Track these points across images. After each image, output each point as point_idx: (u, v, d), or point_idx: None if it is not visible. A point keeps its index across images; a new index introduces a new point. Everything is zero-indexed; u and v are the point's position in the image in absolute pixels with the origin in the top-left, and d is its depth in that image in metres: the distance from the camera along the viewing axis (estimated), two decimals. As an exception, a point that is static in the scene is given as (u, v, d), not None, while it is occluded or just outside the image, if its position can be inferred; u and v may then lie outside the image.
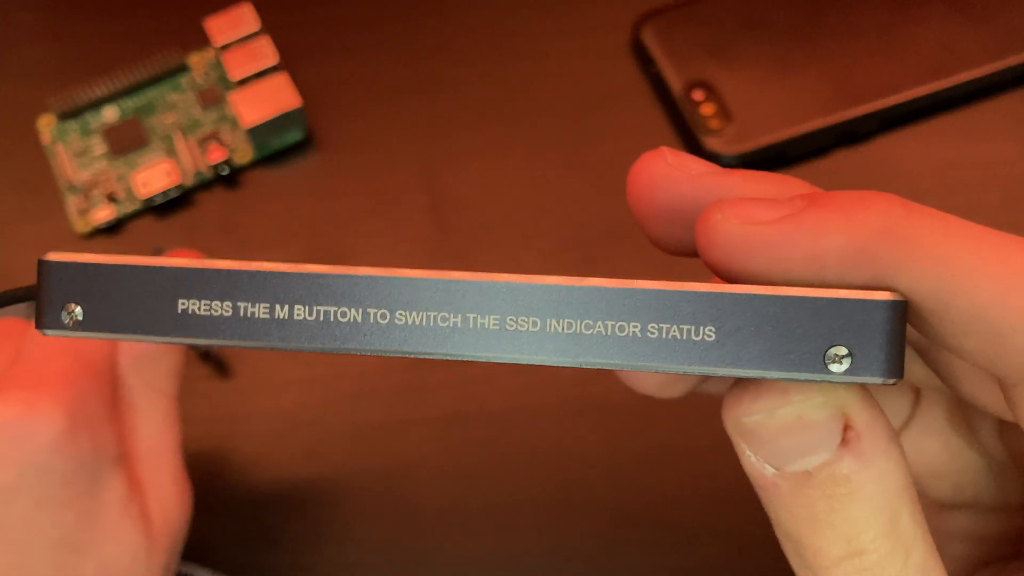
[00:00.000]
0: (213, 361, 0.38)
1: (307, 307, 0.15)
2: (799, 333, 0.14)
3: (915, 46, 0.41)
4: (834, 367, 0.14)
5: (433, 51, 0.44)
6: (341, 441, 0.37)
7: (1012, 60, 0.41)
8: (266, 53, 0.41)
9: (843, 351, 0.14)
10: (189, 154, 0.41)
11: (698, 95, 0.41)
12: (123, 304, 0.15)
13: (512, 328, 0.15)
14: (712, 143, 0.40)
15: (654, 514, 0.35)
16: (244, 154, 0.41)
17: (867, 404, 0.16)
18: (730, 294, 0.14)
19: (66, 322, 0.15)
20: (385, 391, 0.37)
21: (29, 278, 0.37)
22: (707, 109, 0.40)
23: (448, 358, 0.15)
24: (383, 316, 0.15)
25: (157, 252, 0.39)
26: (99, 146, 0.42)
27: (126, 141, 0.42)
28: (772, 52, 0.41)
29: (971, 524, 0.21)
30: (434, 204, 0.40)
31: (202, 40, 0.43)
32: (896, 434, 0.16)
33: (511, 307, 0.15)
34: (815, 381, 0.14)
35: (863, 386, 0.15)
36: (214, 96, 0.42)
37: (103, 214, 0.40)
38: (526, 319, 0.15)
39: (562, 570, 0.35)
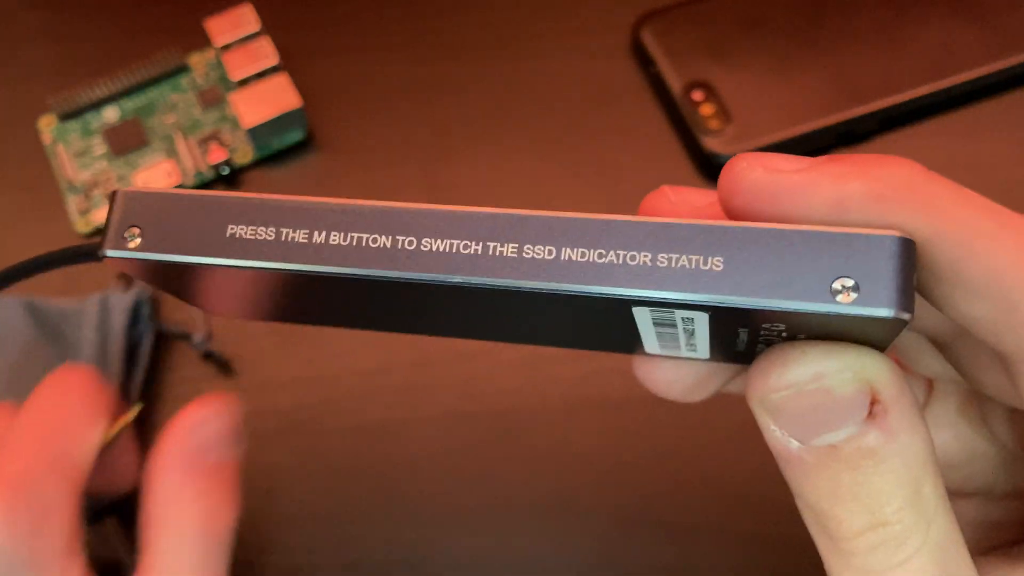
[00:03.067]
0: (215, 361, 0.38)
1: (343, 234, 0.16)
2: (806, 265, 0.14)
3: (914, 46, 0.41)
4: (841, 298, 0.14)
5: (433, 51, 0.44)
6: (341, 441, 0.37)
7: (1011, 60, 0.41)
8: (266, 53, 0.41)
9: (850, 282, 0.14)
10: (190, 154, 0.41)
11: (698, 95, 0.41)
12: (179, 229, 0.16)
13: (529, 256, 0.15)
14: (711, 143, 0.40)
15: (654, 514, 0.35)
16: (244, 154, 0.41)
17: (895, 378, 0.16)
18: (739, 227, 0.15)
19: (127, 244, 0.17)
20: (385, 391, 0.37)
21: (30, 278, 0.37)
22: (707, 109, 0.40)
23: (468, 285, 0.15)
24: (410, 243, 0.16)
25: None
26: (100, 146, 0.42)
27: (127, 141, 0.42)
28: (772, 52, 0.41)
29: (981, 512, 0.21)
30: (434, 203, 0.40)
31: (202, 40, 0.43)
32: (920, 407, 0.16)
33: (528, 236, 0.15)
34: (820, 312, 0.14)
35: (890, 360, 0.16)
36: (215, 96, 0.42)
37: (104, 214, 0.40)
38: (542, 248, 0.15)
39: (562, 570, 0.35)
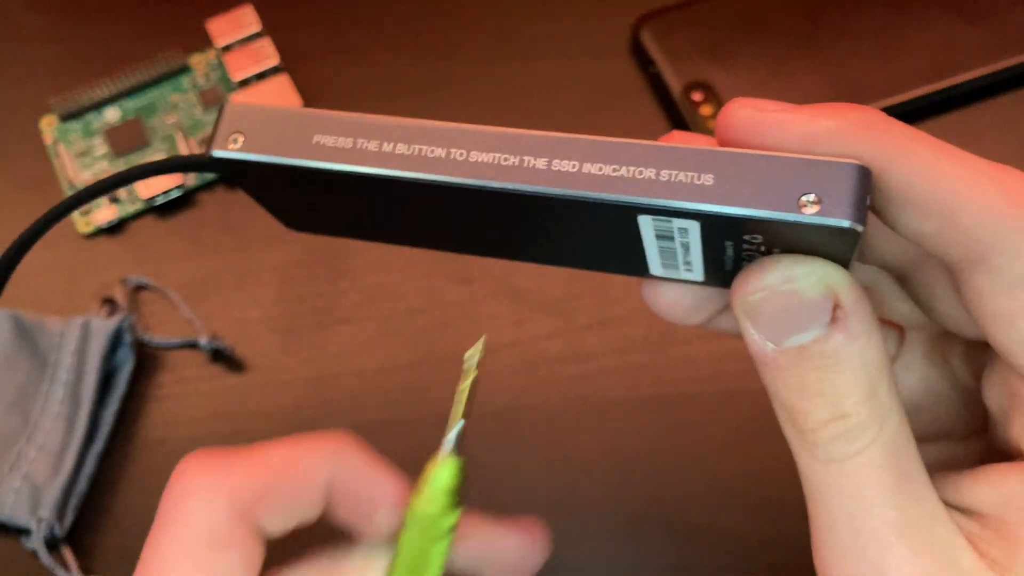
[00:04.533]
0: (224, 358, 0.38)
1: (407, 144, 0.19)
2: (779, 183, 0.17)
3: (913, 48, 0.41)
4: (806, 210, 0.17)
5: (433, 52, 0.44)
6: (342, 440, 0.37)
7: (1009, 61, 0.41)
8: (267, 54, 0.41)
9: (814, 197, 0.17)
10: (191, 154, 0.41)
11: (697, 95, 0.41)
12: (274, 136, 0.19)
13: (556, 168, 0.18)
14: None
15: (654, 514, 0.35)
16: (245, 155, 0.42)
17: (854, 288, 0.18)
18: (727, 151, 0.18)
19: (231, 146, 0.19)
20: (385, 391, 0.37)
21: (31, 277, 0.37)
22: (706, 110, 0.41)
23: (506, 190, 0.18)
24: (461, 155, 0.19)
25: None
26: (101, 146, 0.42)
27: (128, 141, 0.42)
28: (771, 53, 0.41)
29: (944, 454, 0.23)
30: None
31: (204, 41, 0.43)
32: (877, 318, 0.19)
33: (556, 152, 0.18)
34: (790, 221, 0.17)
35: (850, 275, 0.18)
36: (216, 97, 0.42)
37: (105, 214, 0.40)
38: (567, 162, 0.18)
39: (562, 569, 0.35)
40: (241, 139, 0.20)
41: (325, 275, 0.40)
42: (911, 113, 0.41)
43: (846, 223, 0.17)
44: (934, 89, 0.41)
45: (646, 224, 0.18)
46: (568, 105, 0.43)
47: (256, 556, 0.22)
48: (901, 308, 0.23)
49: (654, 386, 0.37)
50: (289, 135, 0.19)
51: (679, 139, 0.20)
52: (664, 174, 0.18)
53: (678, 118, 0.41)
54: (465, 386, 0.22)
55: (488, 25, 0.45)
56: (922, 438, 0.20)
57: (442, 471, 0.22)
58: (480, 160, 0.19)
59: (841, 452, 0.18)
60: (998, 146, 0.41)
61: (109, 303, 0.39)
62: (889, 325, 0.24)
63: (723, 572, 0.34)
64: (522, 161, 0.18)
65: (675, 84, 0.41)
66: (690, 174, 0.17)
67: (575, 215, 0.19)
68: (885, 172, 0.17)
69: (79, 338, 0.37)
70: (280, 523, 0.22)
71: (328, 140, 0.19)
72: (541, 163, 0.18)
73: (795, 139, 0.18)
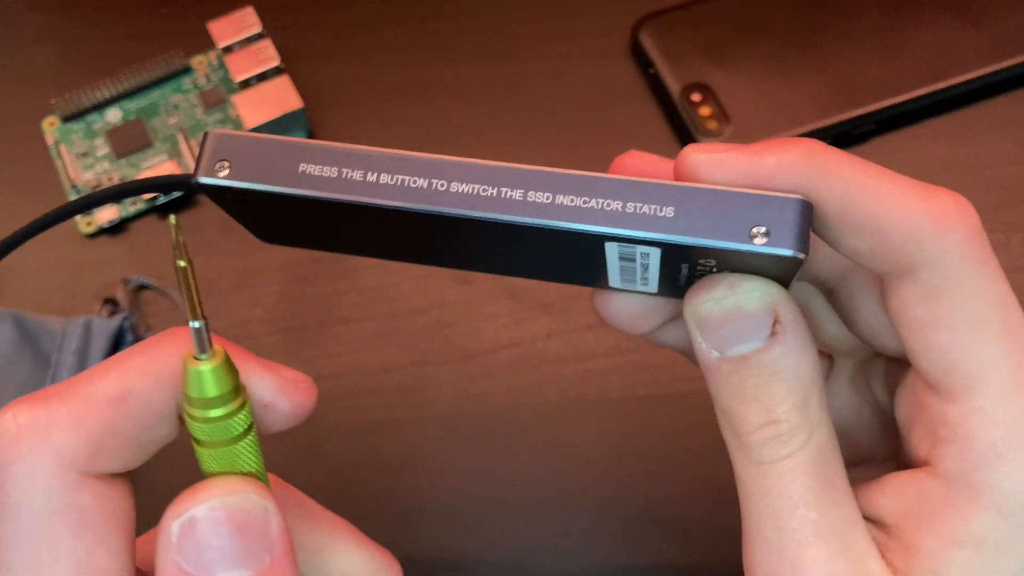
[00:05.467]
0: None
1: (391, 175, 0.20)
2: (733, 216, 0.19)
3: (911, 48, 0.41)
4: (756, 240, 0.19)
5: (434, 53, 0.44)
6: (342, 439, 0.37)
7: (1007, 62, 0.41)
8: (268, 55, 0.41)
9: (763, 229, 0.19)
10: (192, 155, 0.42)
11: (696, 96, 0.41)
12: (259, 163, 0.20)
13: (532, 199, 0.19)
14: (710, 144, 0.40)
15: (654, 514, 0.35)
16: (246, 155, 0.42)
17: (792, 307, 0.20)
18: (687, 186, 0.19)
19: (218, 173, 0.20)
20: (385, 390, 0.38)
21: (33, 278, 0.38)
22: (705, 110, 0.41)
23: (484, 219, 0.19)
24: (442, 185, 0.20)
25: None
26: (102, 147, 0.42)
27: (129, 142, 0.42)
28: (769, 54, 0.42)
29: (864, 478, 0.24)
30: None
31: (205, 42, 0.43)
32: (812, 336, 0.21)
33: (531, 184, 0.19)
34: (741, 251, 0.19)
35: (789, 294, 0.20)
36: (217, 97, 0.43)
37: (107, 215, 0.41)
38: (542, 194, 0.19)
39: (562, 569, 0.35)
40: (228, 167, 0.20)
41: (325, 275, 0.40)
42: (909, 114, 0.41)
43: (790, 252, 0.19)
44: (933, 89, 0.41)
45: (612, 249, 0.20)
46: (568, 106, 0.43)
47: (115, 503, 0.19)
48: (830, 330, 0.25)
49: (653, 386, 0.37)
50: (275, 164, 0.20)
51: (634, 160, 0.22)
52: (630, 206, 0.19)
53: (677, 119, 0.41)
54: (185, 267, 0.19)
55: (488, 25, 0.45)
56: (846, 463, 0.21)
57: (199, 381, 0.19)
58: (460, 191, 0.20)
59: (771, 455, 0.20)
60: (997, 146, 0.41)
61: (110, 303, 0.39)
62: (820, 353, 0.25)
63: (721, 572, 0.34)
64: (499, 192, 0.20)
65: (674, 85, 0.41)
66: (653, 206, 0.19)
67: (547, 240, 0.20)
68: (823, 200, 0.19)
69: (80, 338, 0.37)
70: (131, 460, 0.20)
71: (314, 169, 0.20)
72: (517, 194, 0.19)
73: (744, 175, 0.19)
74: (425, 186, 0.20)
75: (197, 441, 0.19)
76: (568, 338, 0.38)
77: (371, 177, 0.20)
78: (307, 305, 0.39)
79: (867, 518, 0.21)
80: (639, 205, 0.19)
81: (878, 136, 0.41)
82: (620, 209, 0.19)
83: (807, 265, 0.23)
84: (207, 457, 0.20)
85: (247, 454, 0.20)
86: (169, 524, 0.18)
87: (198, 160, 0.20)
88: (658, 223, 0.19)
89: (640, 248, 0.20)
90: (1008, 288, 0.20)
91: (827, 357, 0.26)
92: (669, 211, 0.19)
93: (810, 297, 0.24)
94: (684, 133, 0.41)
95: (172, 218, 0.19)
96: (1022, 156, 0.41)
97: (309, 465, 0.36)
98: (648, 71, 0.42)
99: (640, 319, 0.24)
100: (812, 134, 0.40)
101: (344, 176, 0.20)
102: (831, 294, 0.24)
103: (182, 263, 0.18)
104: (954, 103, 0.41)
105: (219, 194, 0.21)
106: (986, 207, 0.40)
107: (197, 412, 0.19)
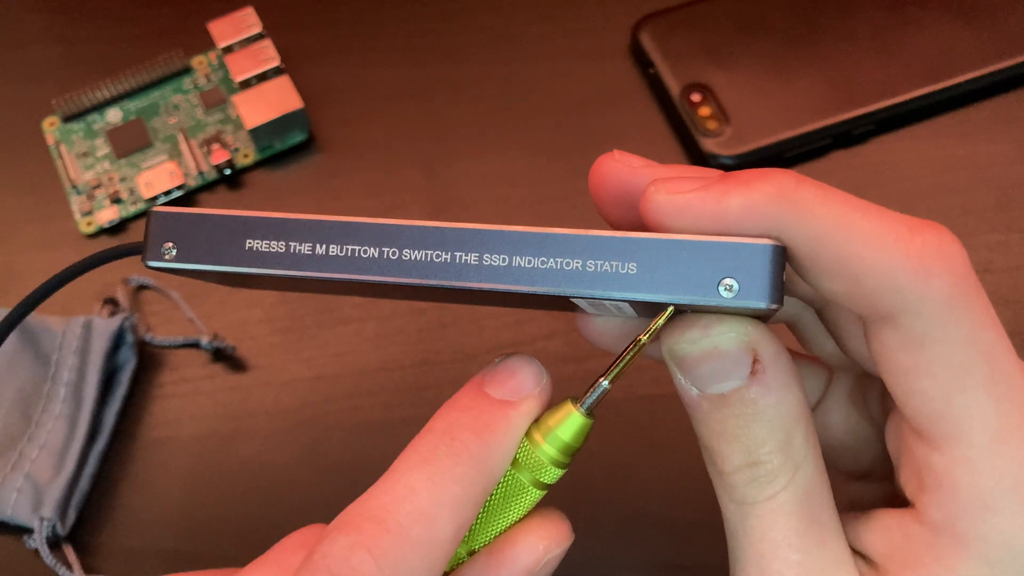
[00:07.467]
0: (226, 357, 0.38)
1: (340, 246, 0.19)
2: (699, 269, 0.18)
3: (911, 49, 0.41)
4: (725, 293, 0.18)
5: (434, 53, 0.44)
6: (342, 439, 0.37)
7: (1008, 62, 0.41)
8: (268, 55, 0.41)
9: (732, 282, 0.18)
10: (192, 155, 0.42)
11: (696, 97, 0.41)
12: (205, 242, 0.20)
13: (487, 263, 0.19)
14: (710, 144, 0.40)
15: (652, 512, 0.35)
16: (247, 155, 0.42)
17: (772, 342, 0.19)
18: (648, 238, 0.18)
19: (165, 256, 0.20)
20: (385, 391, 0.38)
21: (34, 278, 0.38)
22: (705, 111, 0.41)
23: (439, 285, 0.19)
24: (393, 253, 0.19)
25: None
26: (103, 147, 0.42)
27: (130, 142, 0.42)
28: (769, 55, 0.42)
29: (867, 492, 0.24)
30: (435, 204, 0.41)
31: (205, 42, 0.43)
32: (797, 371, 0.20)
33: (485, 247, 0.19)
34: (711, 305, 0.18)
35: (770, 330, 0.19)
36: (217, 98, 0.43)
37: (107, 215, 0.41)
38: (497, 256, 0.19)
39: (561, 569, 0.35)
40: (174, 249, 0.20)
41: (326, 275, 0.40)
42: (909, 114, 0.41)
43: (763, 305, 0.18)
44: (933, 89, 0.41)
45: (579, 300, 0.19)
46: (568, 106, 0.43)
47: None
48: (826, 345, 0.24)
49: (653, 386, 0.37)
50: (221, 242, 0.20)
51: (614, 167, 0.21)
52: (590, 264, 0.18)
53: (677, 119, 0.41)
54: (634, 349, 0.21)
55: (488, 26, 0.45)
56: (848, 476, 0.21)
57: (571, 423, 0.22)
58: (412, 258, 0.19)
59: (753, 496, 0.20)
60: (997, 146, 0.41)
61: (111, 303, 0.39)
62: (819, 364, 0.25)
63: (720, 571, 0.34)
64: (453, 257, 0.19)
65: (674, 85, 0.41)
66: (615, 263, 0.18)
67: (511, 294, 0.20)
68: (794, 241, 0.18)
69: (81, 338, 0.37)
70: None
71: (260, 245, 0.20)
72: (472, 258, 0.19)
73: (708, 220, 0.18)
74: (376, 255, 0.19)
75: (541, 484, 0.22)
76: (568, 338, 0.38)
77: (319, 250, 0.19)
78: (307, 305, 0.39)
79: (855, 551, 0.20)
80: (600, 263, 0.18)
81: (878, 136, 0.41)
82: (580, 268, 0.18)
83: (791, 286, 0.22)
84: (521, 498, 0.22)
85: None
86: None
87: (144, 241, 0.20)
88: (620, 281, 0.18)
89: (608, 302, 0.19)
90: (998, 331, 0.19)
91: (826, 369, 0.25)
92: (631, 267, 0.18)
93: (803, 311, 0.24)
94: (684, 133, 0.41)
95: (669, 310, 0.19)
96: (1022, 156, 0.41)
97: (310, 464, 0.37)
98: (648, 71, 0.42)
99: (623, 339, 0.23)
100: (812, 134, 0.40)
101: (292, 251, 0.19)
102: (821, 314, 0.23)
103: (643, 339, 0.20)
104: (954, 103, 0.41)
105: (172, 271, 0.20)
106: (986, 207, 0.40)
107: (565, 459, 0.22)
